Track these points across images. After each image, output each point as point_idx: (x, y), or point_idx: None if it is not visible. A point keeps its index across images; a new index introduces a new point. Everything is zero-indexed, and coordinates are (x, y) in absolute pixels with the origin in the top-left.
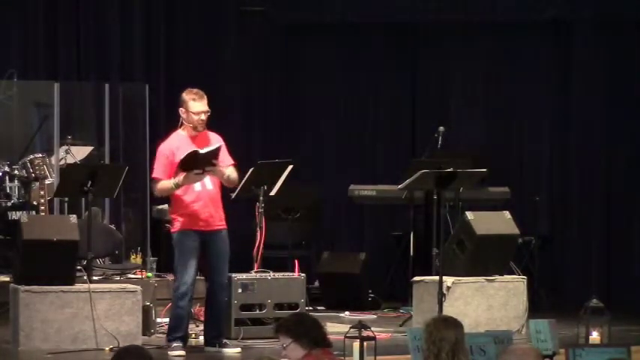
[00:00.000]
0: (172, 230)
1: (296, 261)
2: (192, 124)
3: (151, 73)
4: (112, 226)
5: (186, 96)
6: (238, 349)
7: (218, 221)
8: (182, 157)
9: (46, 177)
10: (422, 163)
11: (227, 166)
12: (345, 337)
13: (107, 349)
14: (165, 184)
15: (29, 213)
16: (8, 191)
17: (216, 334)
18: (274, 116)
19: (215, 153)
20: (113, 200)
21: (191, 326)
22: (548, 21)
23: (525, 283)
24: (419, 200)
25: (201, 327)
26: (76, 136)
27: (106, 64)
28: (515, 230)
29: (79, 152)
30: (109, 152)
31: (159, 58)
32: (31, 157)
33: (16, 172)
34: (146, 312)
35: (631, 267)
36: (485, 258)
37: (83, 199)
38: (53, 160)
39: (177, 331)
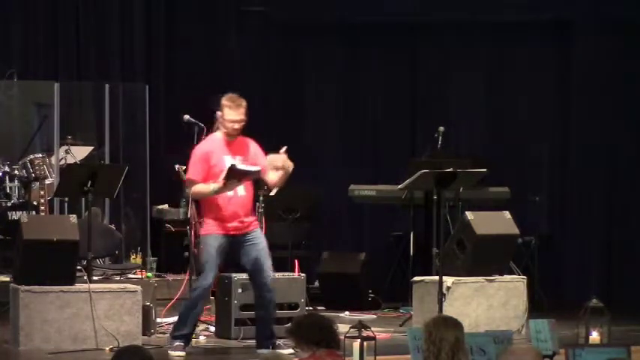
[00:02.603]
0: (201, 232)
1: (296, 261)
2: (227, 130)
3: (151, 73)
4: (112, 226)
5: (224, 102)
6: (291, 350)
7: (248, 225)
8: (218, 162)
9: (46, 177)
10: (422, 163)
11: (269, 171)
12: (345, 337)
13: (107, 349)
14: (202, 188)
15: (29, 213)
16: (8, 191)
17: (267, 336)
18: (274, 116)
19: (254, 174)
20: (113, 200)
21: None
22: (548, 21)
23: (525, 283)
24: (419, 200)
25: (202, 327)
26: (76, 136)
27: (106, 64)
28: (515, 230)
29: (79, 152)
30: (109, 152)
31: (159, 58)
32: (31, 157)
33: (16, 172)
34: (146, 312)
35: (631, 267)
36: (486, 258)
37: (83, 199)
38: (53, 160)
39: (181, 328)
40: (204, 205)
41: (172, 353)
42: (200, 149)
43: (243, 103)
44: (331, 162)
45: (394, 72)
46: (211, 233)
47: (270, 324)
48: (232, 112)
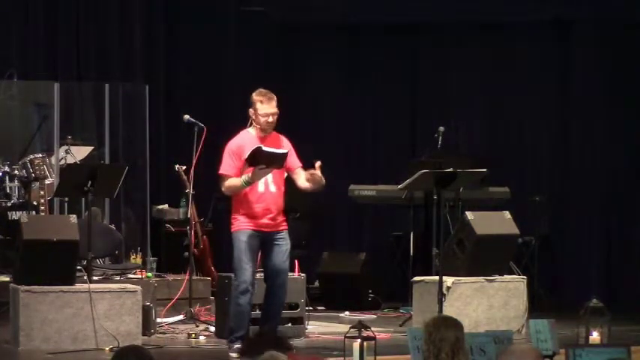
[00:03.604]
0: (232, 229)
1: (296, 261)
2: (260, 125)
3: (151, 73)
4: (112, 226)
5: (255, 97)
6: (292, 351)
7: (279, 223)
8: (248, 154)
9: (46, 177)
10: (422, 163)
11: (297, 169)
12: (345, 337)
13: (107, 349)
14: (234, 181)
15: (29, 213)
16: (8, 191)
17: None
18: None
19: (280, 157)
20: (113, 200)
21: (191, 326)
22: (548, 21)
23: (525, 283)
24: (419, 200)
25: (202, 327)
26: (76, 136)
27: (106, 64)
28: (515, 230)
29: (79, 152)
30: (109, 152)
31: (159, 58)
32: (31, 157)
33: (16, 172)
34: (146, 312)
35: (631, 267)
36: (485, 258)
37: (83, 199)
38: (53, 160)
39: (238, 330)
40: (235, 201)
41: (233, 355)
42: (233, 144)
43: (274, 96)
44: (331, 162)
45: (394, 72)
46: (241, 229)
47: (275, 324)
48: (265, 105)
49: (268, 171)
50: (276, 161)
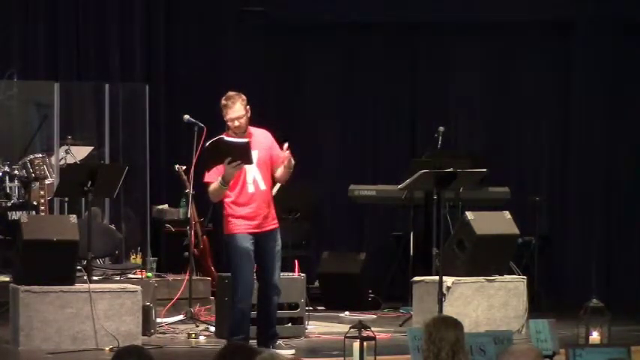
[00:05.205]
0: (226, 232)
1: (296, 261)
2: (230, 129)
3: (151, 73)
4: (112, 226)
5: (222, 102)
6: (292, 351)
7: (271, 221)
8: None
9: (46, 177)
10: (422, 163)
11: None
12: (345, 337)
13: (107, 349)
14: (213, 186)
15: (29, 213)
16: (8, 191)
17: (269, 336)
18: (274, 116)
19: (242, 146)
20: (113, 200)
21: (191, 326)
22: (548, 21)
23: (525, 283)
24: (419, 200)
25: (202, 327)
26: (76, 136)
27: (106, 64)
28: (515, 230)
29: (79, 152)
30: (109, 152)
31: (159, 58)
32: (31, 157)
33: (16, 172)
34: (146, 312)
35: (631, 267)
36: (485, 258)
37: (83, 199)
38: (53, 160)
39: (238, 333)
40: (227, 205)
41: None
42: None
43: (239, 98)
44: (331, 162)
45: (394, 72)
46: (235, 232)
47: (272, 324)
48: (229, 110)
49: (238, 166)
50: (242, 154)
